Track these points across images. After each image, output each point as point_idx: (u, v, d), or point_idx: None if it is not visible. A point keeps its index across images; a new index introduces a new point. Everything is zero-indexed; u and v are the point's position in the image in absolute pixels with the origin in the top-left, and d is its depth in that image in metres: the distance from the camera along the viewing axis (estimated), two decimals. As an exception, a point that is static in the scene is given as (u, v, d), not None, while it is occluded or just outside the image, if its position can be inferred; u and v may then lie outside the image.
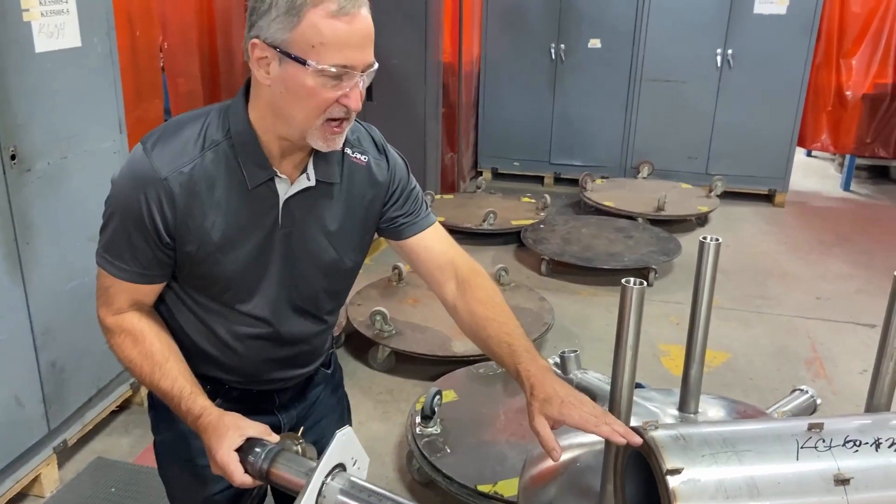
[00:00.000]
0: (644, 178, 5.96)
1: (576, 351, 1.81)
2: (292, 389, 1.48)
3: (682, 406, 1.61)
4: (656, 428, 1.14)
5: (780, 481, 1.07)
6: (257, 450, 1.13)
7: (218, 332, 1.33)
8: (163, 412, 1.36)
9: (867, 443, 1.11)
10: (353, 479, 1.09)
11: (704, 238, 1.48)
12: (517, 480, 2.37)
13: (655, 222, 5.05)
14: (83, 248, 2.49)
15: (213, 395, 1.35)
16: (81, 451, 2.73)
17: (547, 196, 5.30)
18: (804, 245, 5.07)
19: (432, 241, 1.44)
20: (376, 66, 1.17)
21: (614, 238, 4.71)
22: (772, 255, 4.88)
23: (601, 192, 5.60)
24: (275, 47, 1.12)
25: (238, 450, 1.14)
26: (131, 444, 2.74)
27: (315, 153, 1.26)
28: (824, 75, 6.14)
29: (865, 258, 4.83)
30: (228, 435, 1.14)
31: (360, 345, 3.45)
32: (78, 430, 2.64)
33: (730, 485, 1.06)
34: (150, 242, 1.20)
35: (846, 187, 6.38)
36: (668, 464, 1.07)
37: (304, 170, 1.25)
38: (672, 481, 1.05)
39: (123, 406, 2.90)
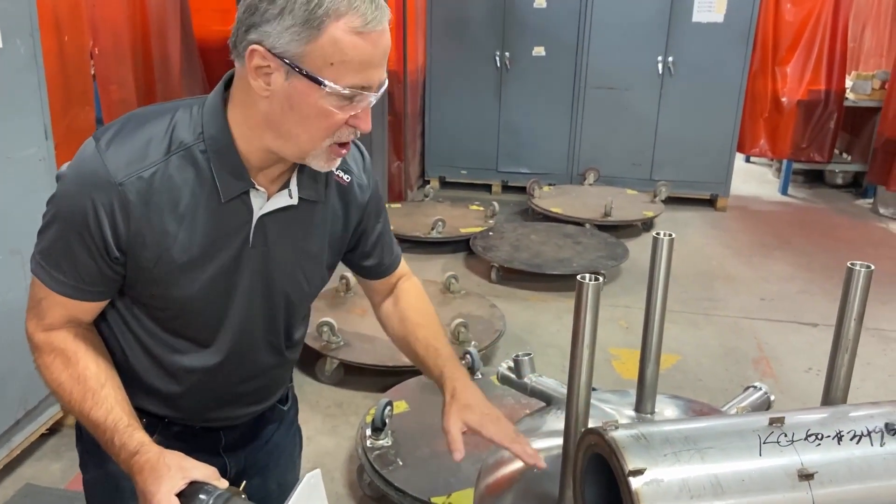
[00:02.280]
0: (590, 184, 6.00)
1: (530, 354, 1.76)
2: (241, 428, 1.34)
3: (639, 406, 1.57)
4: (616, 428, 1.09)
5: (745, 478, 1.03)
6: (202, 497, 0.97)
7: (164, 362, 1.19)
8: (92, 447, 1.20)
9: (829, 436, 1.09)
10: None
11: (658, 234, 1.45)
12: (471, 492, 2.31)
13: (603, 228, 5.08)
14: (5, 262, 2.34)
15: (149, 431, 1.20)
16: (9, 477, 2.54)
17: (495, 204, 5.29)
18: (747, 248, 5.17)
19: (387, 280, 1.41)
20: (387, 82, 1.06)
21: (563, 244, 4.71)
22: (716, 258, 4.95)
23: (549, 198, 5.61)
24: (283, 58, 0.97)
25: (179, 495, 0.98)
26: (63, 470, 2.58)
27: (300, 167, 1.12)
28: (761, 82, 6.31)
29: (805, 260, 4.95)
30: (169, 476, 0.98)
31: (307, 357, 3.34)
32: (4, 455, 2.47)
33: (694, 484, 1.01)
34: (95, 255, 1.06)
35: (784, 191, 6.55)
36: (630, 464, 1.02)
37: (286, 185, 1.12)
38: (635, 482, 1.00)
39: (54, 429, 2.72)
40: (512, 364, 1.80)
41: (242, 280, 1.14)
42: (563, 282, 4.35)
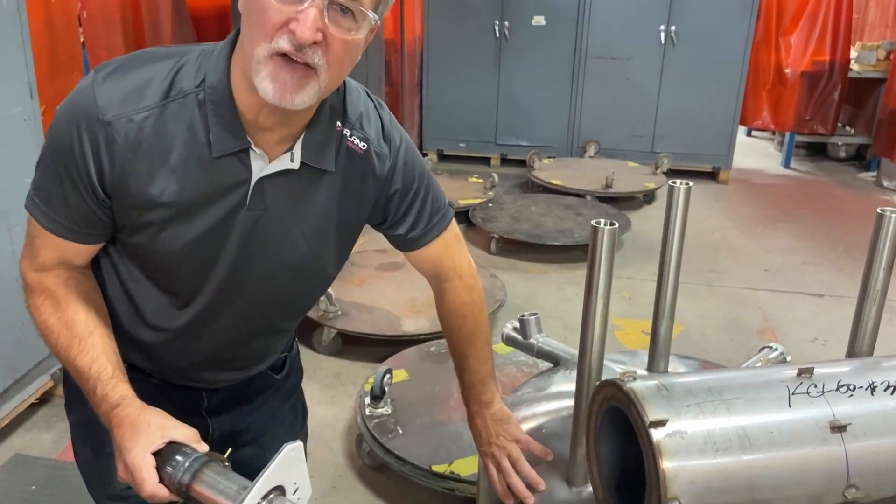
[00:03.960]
0: (591, 157, 5.92)
1: (536, 314, 1.69)
2: (226, 391, 1.26)
3: (651, 365, 1.50)
4: (634, 379, 1.02)
5: (773, 430, 0.96)
6: (179, 458, 0.92)
7: (145, 313, 1.12)
8: (78, 388, 1.12)
9: (861, 387, 1.02)
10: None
11: (674, 182, 1.37)
12: (473, 459, 2.25)
13: (604, 200, 5.01)
14: (-10, 225, 2.25)
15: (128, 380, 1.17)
16: (-3, 448, 2.49)
17: (495, 175, 5.20)
18: (750, 220, 5.10)
19: (424, 257, 1.28)
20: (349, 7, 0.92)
21: (564, 215, 4.63)
22: (719, 230, 4.88)
23: (549, 171, 5.53)
24: None
25: (156, 454, 0.93)
26: (54, 440, 2.51)
27: (308, 132, 1.04)
28: (764, 53, 6.21)
29: (809, 231, 4.88)
30: (148, 433, 0.93)
31: (305, 327, 3.27)
32: (-8, 426, 2.41)
33: (719, 436, 0.95)
34: (83, 193, 0.99)
35: (786, 164, 6.47)
36: (651, 415, 0.95)
37: (290, 149, 1.03)
38: (656, 434, 0.93)
39: (44, 399, 2.65)
40: (517, 324, 1.73)
41: (232, 243, 1.06)
42: (564, 253, 4.28)
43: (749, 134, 7.51)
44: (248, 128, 1.00)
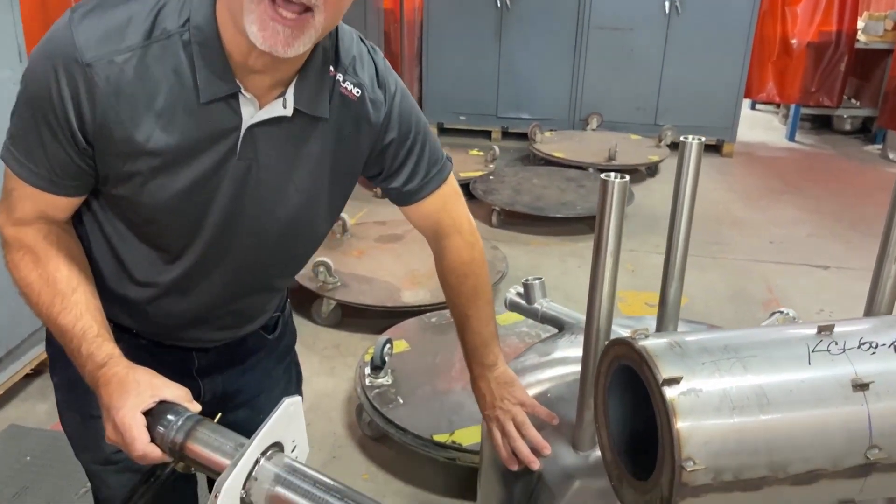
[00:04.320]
0: (593, 129, 5.84)
1: (540, 278, 1.64)
2: (217, 351, 1.22)
3: (660, 329, 1.45)
4: (646, 336, 0.97)
5: (793, 389, 0.91)
6: (170, 417, 0.88)
7: (131, 270, 1.07)
8: (62, 349, 1.07)
9: (885, 344, 0.97)
10: (294, 462, 0.86)
11: (686, 138, 1.32)
12: (475, 429, 2.22)
13: (606, 171, 4.92)
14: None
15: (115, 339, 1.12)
16: (-8, 419, 2.46)
17: (496, 148, 5.13)
18: (754, 193, 5.04)
19: (422, 211, 1.22)
20: None
21: (566, 188, 4.57)
22: (723, 202, 4.82)
23: (551, 143, 5.45)
24: None
25: (146, 414, 0.88)
26: (49, 411, 2.48)
27: (300, 76, 0.98)
28: (770, 24, 6.10)
29: (814, 204, 4.82)
30: (137, 391, 0.89)
31: (303, 299, 3.23)
32: (-15, 397, 2.37)
33: (736, 395, 0.90)
34: (63, 143, 0.93)
35: (791, 137, 6.39)
36: (664, 373, 0.90)
37: (282, 95, 0.98)
38: (670, 392, 0.89)
39: (39, 370, 2.62)
40: (521, 289, 1.68)
41: (222, 195, 1.00)
42: (566, 225, 4.23)
43: (753, 107, 7.41)
44: (237, 71, 0.94)
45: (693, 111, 5.78)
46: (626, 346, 0.98)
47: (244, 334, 1.24)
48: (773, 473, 0.90)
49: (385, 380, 2.40)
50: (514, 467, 1.24)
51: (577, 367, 1.41)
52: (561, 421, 1.28)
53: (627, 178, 1.09)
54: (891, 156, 5.87)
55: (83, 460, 1.25)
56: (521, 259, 3.86)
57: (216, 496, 0.79)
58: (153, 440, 0.88)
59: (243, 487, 0.83)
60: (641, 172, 5.27)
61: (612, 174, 1.09)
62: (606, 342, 1.16)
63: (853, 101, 6.69)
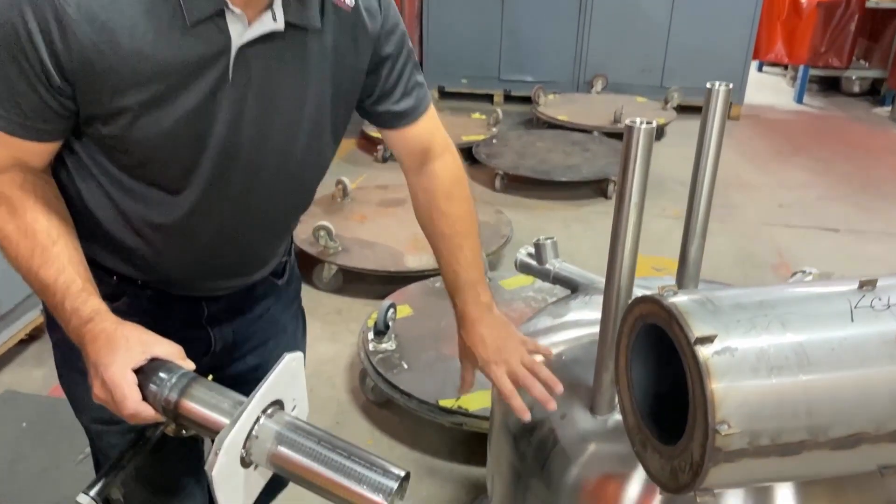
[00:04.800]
0: (598, 92, 5.72)
1: (552, 238, 1.57)
2: (227, 299, 1.17)
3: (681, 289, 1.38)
4: (675, 293, 0.90)
5: (835, 347, 0.85)
6: (162, 375, 0.83)
7: (129, 215, 1.00)
8: None
9: (931, 299, 0.91)
10: (296, 420, 0.81)
11: (712, 84, 1.24)
12: (483, 394, 2.16)
13: (612, 135, 4.83)
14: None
15: (117, 293, 1.05)
16: (-12, 385, 2.40)
17: (498, 111, 5.02)
18: (762, 155, 4.94)
19: (415, 133, 1.17)
20: None
21: (571, 151, 4.48)
22: (731, 165, 4.72)
23: (555, 106, 5.34)
24: None
25: (137, 372, 0.83)
26: (45, 376, 2.43)
27: None
28: (779, -18, 5.95)
29: (823, 166, 4.73)
30: (127, 348, 0.83)
31: (305, 264, 3.16)
32: (-20, 363, 2.32)
33: (774, 354, 0.83)
34: (35, 84, 0.86)
35: (799, 100, 6.27)
36: (697, 331, 0.83)
37: (269, 6, 0.90)
38: (703, 352, 0.82)
39: (34, 335, 2.56)
40: (532, 249, 1.61)
41: (219, 125, 0.93)
42: (571, 190, 4.15)
43: (760, 69, 7.27)
44: None
45: (700, 72, 5.63)
46: (652, 304, 0.92)
47: (254, 281, 1.19)
48: (812, 437, 0.84)
49: (389, 345, 2.34)
50: (528, 417, 1.17)
51: (592, 329, 1.35)
52: (577, 384, 1.22)
53: (654, 123, 1.01)
54: (901, 118, 5.76)
55: (84, 421, 1.20)
56: (525, 224, 3.79)
57: (216, 453, 0.74)
58: (145, 399, 0.83)
59: (243, 446, 0.78)
60: (647, 136, 5.16)
61: (638, 119, 1.01)
62: (629, 301, 1.10)
63: (862, 62, 6.55)
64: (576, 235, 3.73)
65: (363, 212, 3.49)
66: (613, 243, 1.06)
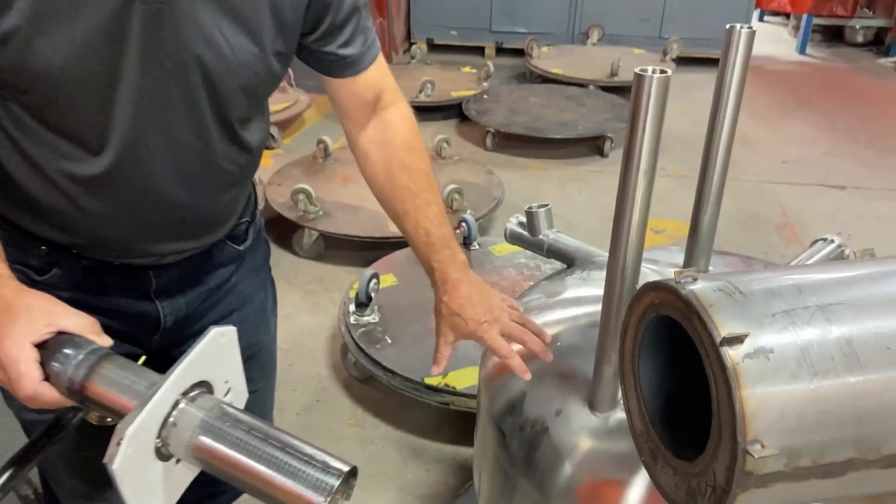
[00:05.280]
0: (594, 43, 5.49)
1: (546, 205, 1.40)
2: (179, 268, 1.03)
3: (689, 264, 1.22)
4: (695, 280, 0.74)
5: (891, 344, 0.69)
6: (68, 351, 0.70)
7: (48, 171, 0.86)
8: None
9: None
10: (225, 406, 0.69)
11: (732, 26, 1.06)
12: (471, 370, 2.02)
13: (608, 89, 4.63)
14: None
15: (47, 266, 0.92)
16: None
17: (490, 64, 4.80)
18: (765, 110, 4.75)
19: (365, 81, 1.04)
20: None
21: (565, 106, 4.28)
22: (731, 120, 4.54)
23: (548, 59, 5.11)
24: None
25: (40, 346, 0.71)
26: None
27: None
28: (784, -74, 5.67)
29: (828, 121, 4.55)
30: (28, 319, 0.72)
31: (284, 230, 2.99)
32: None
33: (817, 354, 0.67)
34: None
35: (802, 50, 6.05)
36: (724, 329, 0.67)
37: None
38: (732, 354, 0.66)
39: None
40: (524, 218, 1.44)
41: (131, 47, 0.78)
42: (565, 148, 3.97)
43: (761, 19, 7.02)
44: None
45: (700, 22, 5.41)
46: (666, 292, 0.75)
47: (207, 245, 1.04)
48: (861, 455, 0.68)
49: (371, 317, 2.19)
50: (529, 376, 1.06)
51: (590, 309, 1.19)
52: (574, 375, 1.07)
53: (669, 72, 0.83)
54: (907, 69, 5.56)
55: (14, 407, 1.05)
56: (517, 184, 3.61)
57: (118, 443, 0.61)
58: (47, 378, 0.70)
59: (158, 435, 0.66)
60: (644, 89, 4.96)
61: (650, 68, 0.84)
62: (636, 284, 0.94)
63: (866, 10, 6.31)
64: (571, 196, 3.56)
65: (346, 173, 3.30)
66: (619, 216, 0.90)
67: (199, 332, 1.07)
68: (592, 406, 1.01)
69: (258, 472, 0.65)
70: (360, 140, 1.09)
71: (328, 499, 0.62)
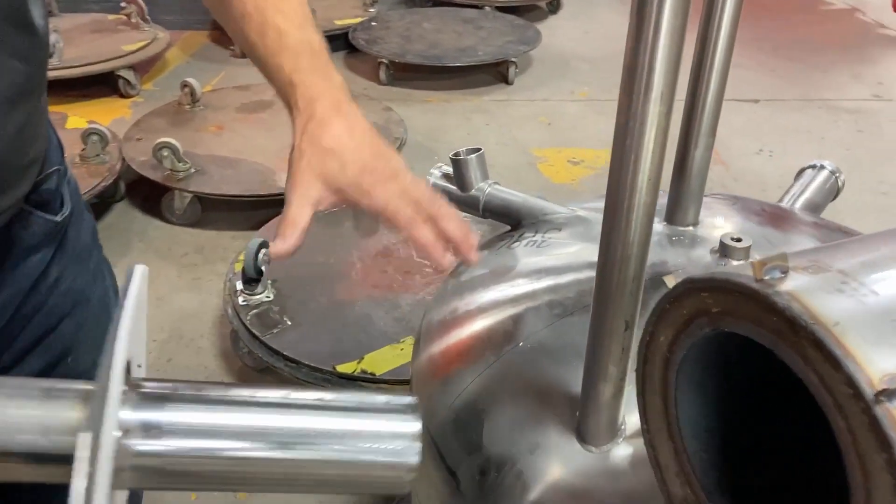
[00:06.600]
0: (484, -39, 5.07)
1: (479, 150, 1.06)
2: None
3: (674, 216, 0.94)
4: (784, 273, 0.43)
5: None
6: None
7: None
8: None
9: None
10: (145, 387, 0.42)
11: None
12: (389, 350, 1.72)
13: (505, 10, 4.28)
14: None
15: None
16: None
17: (374, -13, 4.33)
18: (666, 24, 4.55)
19: None
20: None
21: (463, 31, 3.91)
22: (622, 33, 4.30)
23: (438, -20, 4.68)
24: None
25: None
26: None
27: None
28: None
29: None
30: None
31: (150, 194, 2.53)
32: None
33: None
34: None
35: (695, -39, 5.87)
36: (873, 369, 0.38)
37: None
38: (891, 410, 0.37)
39: None
40: (449, 168, 1.10)
41: None
42: (467, 76, 3.64)
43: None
44: None
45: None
46: (738, 297, 0.45)
47: (4, 212, 0.65)
48: None
49: (264, 295, 1.83)
50: (475, 256, 0.81)
51: (557, 287, 0.89)
52: (548, 393, 0.76)
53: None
54: (798, -24, 5.48)
55: None
56: (419, 120, 3.26)
57: None
58: None
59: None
60: (542, 10, 4.64)
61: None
62: (644, 259, 0.64)
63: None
64: (478, 129, 3.25)
65: (219, 120, 2.84)
66: (617, 164, 0.58)
67: (8, 368, 0.72)
68: (582, 436, 0.72)
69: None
70: None
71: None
